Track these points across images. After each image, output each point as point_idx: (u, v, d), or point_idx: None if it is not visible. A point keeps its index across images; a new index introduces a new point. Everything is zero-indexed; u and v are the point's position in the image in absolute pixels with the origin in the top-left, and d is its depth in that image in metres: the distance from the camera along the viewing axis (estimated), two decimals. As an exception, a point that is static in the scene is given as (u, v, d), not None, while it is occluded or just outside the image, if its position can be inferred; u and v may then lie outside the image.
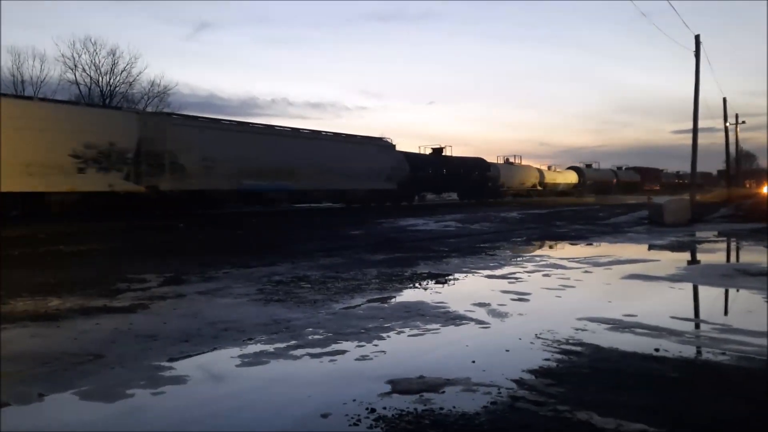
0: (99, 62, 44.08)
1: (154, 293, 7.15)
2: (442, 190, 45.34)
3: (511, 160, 55.80)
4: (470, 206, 36.20)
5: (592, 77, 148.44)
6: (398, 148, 39.75)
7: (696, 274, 8.75)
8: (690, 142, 26.41)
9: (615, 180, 73.49)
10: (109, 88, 44.68)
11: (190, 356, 4.50)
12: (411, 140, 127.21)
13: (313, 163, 29.84)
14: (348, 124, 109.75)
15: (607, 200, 47.49)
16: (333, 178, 31.32)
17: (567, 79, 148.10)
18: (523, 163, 58.27)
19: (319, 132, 32.74)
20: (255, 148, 27.16)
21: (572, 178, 64.75)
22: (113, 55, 44.48)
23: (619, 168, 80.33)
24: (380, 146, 36.35)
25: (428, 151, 44.11)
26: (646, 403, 3.42)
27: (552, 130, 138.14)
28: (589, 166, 70.42)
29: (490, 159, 60.59)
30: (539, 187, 56.39)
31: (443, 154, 43.90)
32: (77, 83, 43.21)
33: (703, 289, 7.56)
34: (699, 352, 4.59)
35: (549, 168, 62.35)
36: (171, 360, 4.36)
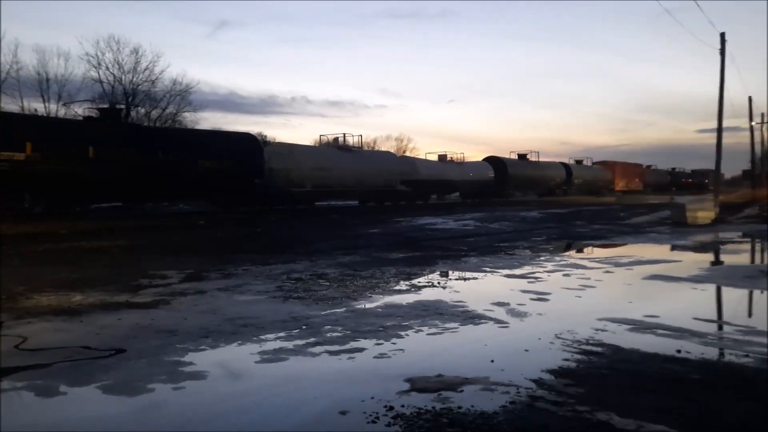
0: (122, 61, 44.54)
1: (174, 289, 7.22)
2: (119, 190, 23.16)
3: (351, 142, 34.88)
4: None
5: (613, 76, 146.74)
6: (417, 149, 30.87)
7: (719, 276, 8.62)
8: (714, 141, 26.04)
9: (563, 178, 54.60)
10: (131, 86, 45.15)
11: (210, 352, 4.53)
12: (431, 139, 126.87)
13: None
14: (367, 122, 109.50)
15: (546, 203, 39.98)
16: None
17: (588, 78, 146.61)
18: (383, 149, 43.35)
19: None
20: None
21: (482, 174, 45.43)
22: (136, 54, 44.89)
23: (579, 162, 60.62)
24: None
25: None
26: (667, 404, 3.38)
27: (573, 130, 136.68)
28: (523, 156, 51.76)
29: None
30: (402, 187, 36.28)
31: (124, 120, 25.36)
32: (101, 81, 43.73)
33: (726, 291, 7.45)
34: (722, 354, 4.52)
35: (443, 158, 44.68)
36: (191, 355, 4.41)
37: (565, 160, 59.08)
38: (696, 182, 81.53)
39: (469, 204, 35.76)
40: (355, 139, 35.24)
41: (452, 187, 42.83)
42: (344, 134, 34.07)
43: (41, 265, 9.42)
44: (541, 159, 54.10)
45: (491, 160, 47.46)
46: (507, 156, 50.20)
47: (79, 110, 38.42)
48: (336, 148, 33.82)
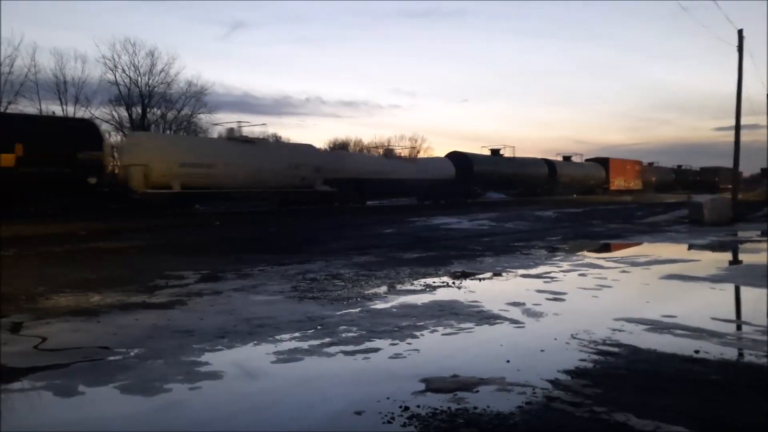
0: (138, 63, 44.93)
1: (191, 290, 7.27)
2: None
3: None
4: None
5: (629, 74, 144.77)
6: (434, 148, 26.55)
7: (738, 275, 8.52)
8: (732, 139, 25.76)
9: (544, 177, 48.51)
10: (147, 88, 45.53)
11: (226, 352, 4.56)
12: (444, 139, 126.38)
13: None
14: (381, 122, 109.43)
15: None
16: None
17: (604, 76, 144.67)
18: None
19: None
20: None
21: (441, 172, 38.96)
22: (151, 56, 45.28)
23: (567, 158, 54.42)
24: None
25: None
26: (686, 405, 3.35)
27: (589, 128, 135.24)
28: (496, 152, 45.00)
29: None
30: (326, 187, 30.25)
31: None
32: (117, 84, 44.14)
33: (745, 290, 7.37)
34: (741, 355, 4.47)
35: (389, 153, 38.62)
36: (207, 355, 4.43)
37: (555, 157, 53.43)
38: (705, 180, 75.32)
39: (427, 207, 31.18)
40: (257, 128, 29.28)
41: (401, 187, 35.91)
42: (239, 122, 27.81)
43: (60, 266, 9.52)
44: (524, 155, 48.79)
45: (453, 156, 41.53)
46: (479, 151, 44.81)
47: (96, 112, 38.47)
48: (226, 139, 27.20)
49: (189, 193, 23.54)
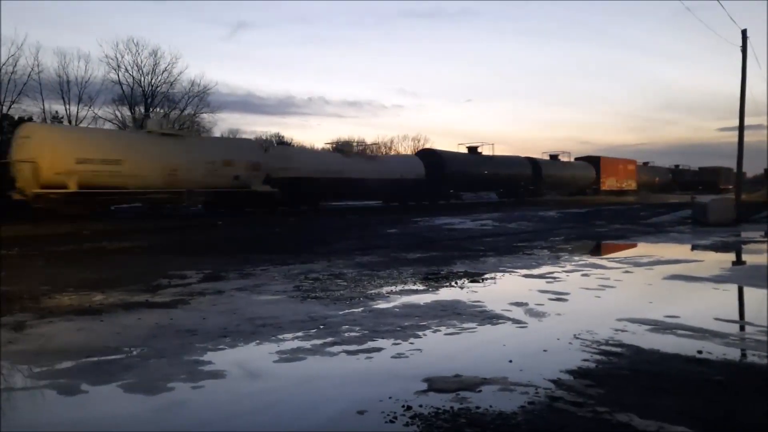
0: (141, 63, 44.92)
1: (193, 289, 7.28)
2: None
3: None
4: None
5: (634, 74, 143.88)
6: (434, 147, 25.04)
7: (741, 276, 8.51)
8: (736, 140, 25.71)
9: (527, 177, 43.75)
10: (150, 88, 45.56)
11: (229, 351, 4.56)
12: (448, 139, 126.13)
13: None
14: (385, 122, 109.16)
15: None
16: None
17: (609, 76, 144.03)
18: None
19: None
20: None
21: (409, 171, 34.35)
22: (155, 56, 45.24)
23: (554, 157, 50.25)
24: None
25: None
26: (689, 406, 3.34)
27: (594, 129, 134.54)
28: (473, 150, 40.48)
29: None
30: (266, 187, 25.70)
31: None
32: (120, 83, 44.16)
33: (748, 291, 7.35)
34: (744, 355, 4.46)
35: (347, 149, 33.18)
36: (210, 355, 4.44)
37: (542, 156, 49.54)
38: (703, 180, 72.05)
39: (390, 211, 28.82)
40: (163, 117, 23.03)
41: (361, 187, 31.47)
42: (165, 113, 23.26)
43: (64, 266, 9.54)
44: (526, 155, 45.74)
45: (424, 154, 37.78)
46: (462, 149, 40.69)
47: (99, 111, 38.37)
48: (143, 132, 23.58)
49: (88, 193, 20.26)
